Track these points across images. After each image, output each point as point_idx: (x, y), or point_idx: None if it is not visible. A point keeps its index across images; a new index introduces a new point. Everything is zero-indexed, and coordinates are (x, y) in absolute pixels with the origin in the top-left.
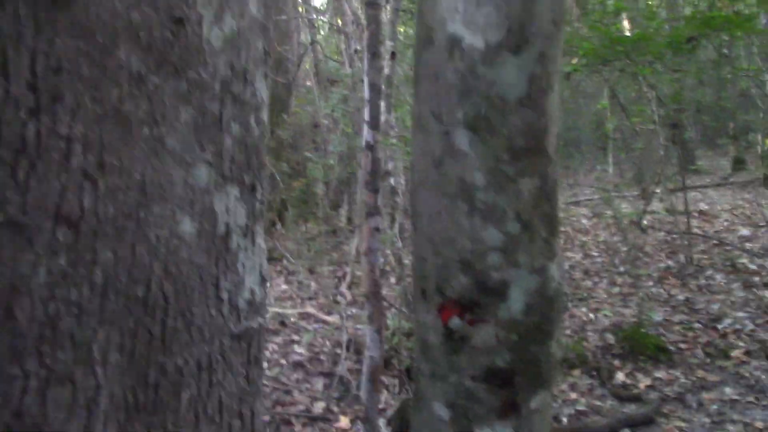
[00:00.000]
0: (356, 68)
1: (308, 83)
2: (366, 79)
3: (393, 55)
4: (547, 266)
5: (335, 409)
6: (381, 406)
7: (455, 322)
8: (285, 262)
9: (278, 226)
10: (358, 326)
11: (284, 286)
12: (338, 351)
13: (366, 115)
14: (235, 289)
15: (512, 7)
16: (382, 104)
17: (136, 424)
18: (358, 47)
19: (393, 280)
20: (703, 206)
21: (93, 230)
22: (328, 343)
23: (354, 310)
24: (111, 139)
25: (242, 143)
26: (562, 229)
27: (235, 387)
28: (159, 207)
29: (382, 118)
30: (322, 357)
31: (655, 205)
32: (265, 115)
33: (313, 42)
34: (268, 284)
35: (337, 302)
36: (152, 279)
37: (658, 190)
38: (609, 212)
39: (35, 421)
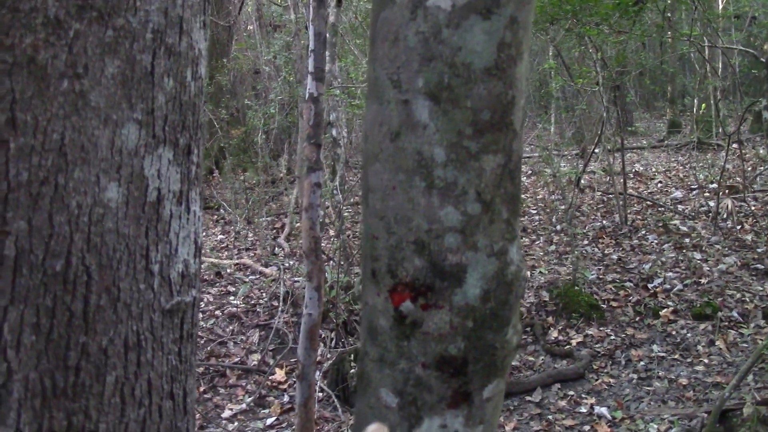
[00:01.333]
0: (300, 14)
1: (250, 27)
2: (311, 28)
3: (339, 1)
4: (506, 248)
5: (271, 361)
6: (317, 359)
7: (407, 306)
8: (222, 211)
9: (216, 174)
10: (296, 279)
11: (221, 236)
12: (275, 303)
13: (310, 66)
14: (166, 261)
15: None
16: (326, 54)
17: (54, 411)
18: None
19: (332, 232)
20: (638, 168)
21: (3, 197)
22: (264, 295)
23: (292, 262)
24: (24, 92)
25: (177, 100)
26: None
27: (166, 366)
28: (81, 171)
29: (326, 67)
30: (258, 309)
31: (593, 166)
32: (203, 69)
33: None
34: (202, 252)
35: (274, 254)
36: (73, 251)
37: (597, 151)
38: (548, 171)
39: None
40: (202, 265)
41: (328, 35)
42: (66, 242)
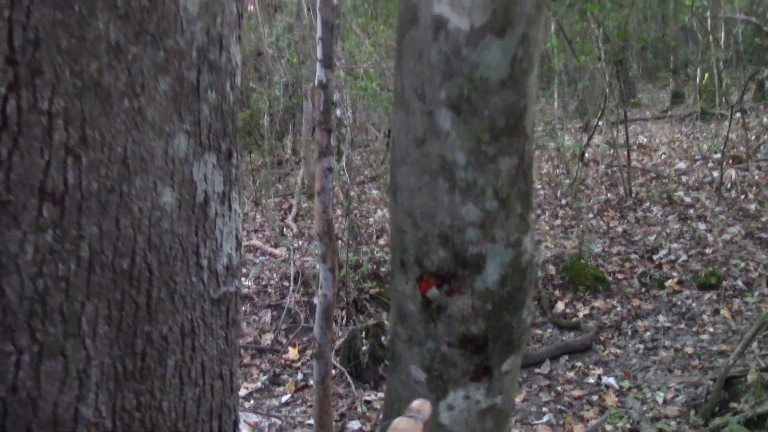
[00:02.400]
0: None
1: (251, 8)
2: (319, 16)
3: None
4: (521, 239)
5: (283, 341)
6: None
7: (433, 292)
8: None
9: None
10: (305, 259)
11: None
12: (286, 284)
13: (319, 53)
14: (213, 256)
15: None
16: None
17: (125, 392)
18: None
19: (339, 212)
20: (642, 139)
21: (78, 205)
22: (275, 275)
23: (301, 243)
24: (92, 112)
25: (219, 110)
26: None
27: (216, 350)
28: (141, 179)
29: None
30: (269, 290)
31: (597, 138)
32: (238, 79)
33: None
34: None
35: (283, 235)
36: (136, 251)
37: (600, 123)
38: (552, 144)
39: (30, 395)
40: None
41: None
42: (131, 243)
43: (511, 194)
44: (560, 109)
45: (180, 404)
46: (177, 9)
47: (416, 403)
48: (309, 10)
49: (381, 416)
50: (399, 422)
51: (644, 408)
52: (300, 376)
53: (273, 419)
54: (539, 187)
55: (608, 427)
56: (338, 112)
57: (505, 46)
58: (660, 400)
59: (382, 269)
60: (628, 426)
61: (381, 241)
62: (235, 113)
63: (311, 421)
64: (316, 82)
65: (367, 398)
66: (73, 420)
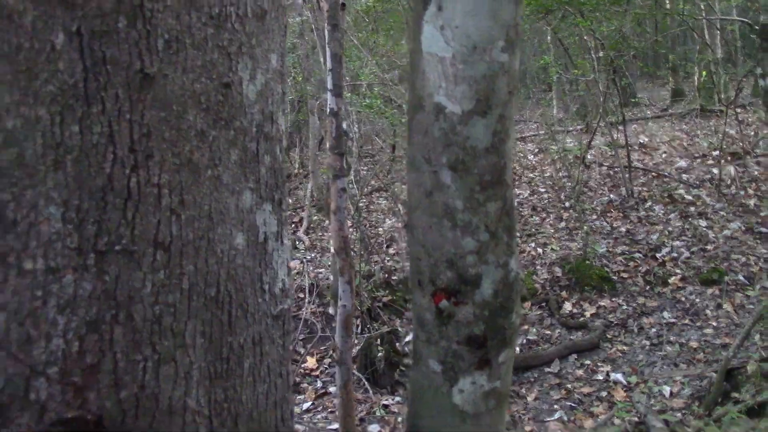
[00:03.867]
0: (305, 17)
1: None
2: (328, 50)
3: (343, 6)
4: (508, 261)
5: (302, 350)
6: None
7: (444, 304)
8: None
9: None
10: (319, 270)
11: None
12: (301, 295)
13: (329, 84)
14: (272, 282)
15: (480, 86)
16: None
17: (216, 387)
18: None
19: (349, 223)
20: (643, 138)
21: (179, 251)
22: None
23: (313, 255)
24: (186, 181)
25: (272, 169)
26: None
27: (277, 354)
28: (221, 228)
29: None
30: None
31: (598, 140)
32: (284, 143)
33: None
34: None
35: (296, 247)
36: (220, 282)
37: (601, 124)
38: (554, 147)
39: (153, 391)
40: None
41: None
42: (215, 276)
43: (498, 228)
44: (561, 111)
45: (254, 397)
46: (241, 98)
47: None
48: (312, 31)
49: (407, 403)
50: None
51: (651, 401)
52: (319, 384)
53: (297, 425)
54: (543, 191)
55: (617, 421)
56: (344, 124)
57: (487, 123)
58: (666, 394)
59: (394, 278)
60: (636, 419)
61: (391, 250)
62: (283, 170)
63: (332, 426)
64: (328, 110)
65: (385, 402)
66: (182, 409)
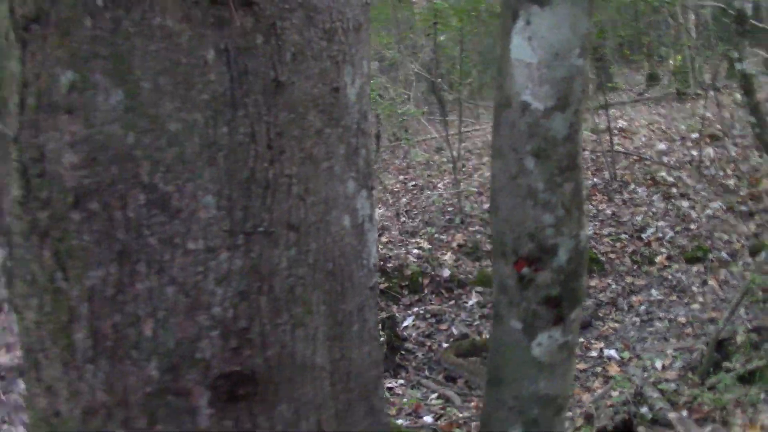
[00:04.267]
0: None
1: None
2: None
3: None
4: (579, 233)
5: None
6: None
7: (525, 270)
8: None
9: None
10: None
11: None
12: None
13: None
14: (367, 258)
15: (560, 86)
16: None
17: (334, 347)
18: None
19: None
20: (622, 123)
21: (306, 231)
22: None
23: None
24: (308, 173)
25: (366, 161)
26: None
27: (373, 321)
28: (334, 212)
29: None
30: None
31: None
32: (374, 136)
33: None
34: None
35: None
36: (335, 258)
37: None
38: None
39: (291, 350)
40: None
41: None
42: (332, 253)
43: (572, 206)
44: None
45: (360, 357)
46: (346, 100)
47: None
48: None
49: (489, 358)
50: None
51: (645, 375)
52: None
53: None
54: None
55: (614, 393)
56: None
57: (565, 117)
58: (659, 367)
59: (389, 265)
60: (632, 390)
61: (383, 238)
62: (372, 160)
63: None
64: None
65: (389, 385)
66: (312, 365)
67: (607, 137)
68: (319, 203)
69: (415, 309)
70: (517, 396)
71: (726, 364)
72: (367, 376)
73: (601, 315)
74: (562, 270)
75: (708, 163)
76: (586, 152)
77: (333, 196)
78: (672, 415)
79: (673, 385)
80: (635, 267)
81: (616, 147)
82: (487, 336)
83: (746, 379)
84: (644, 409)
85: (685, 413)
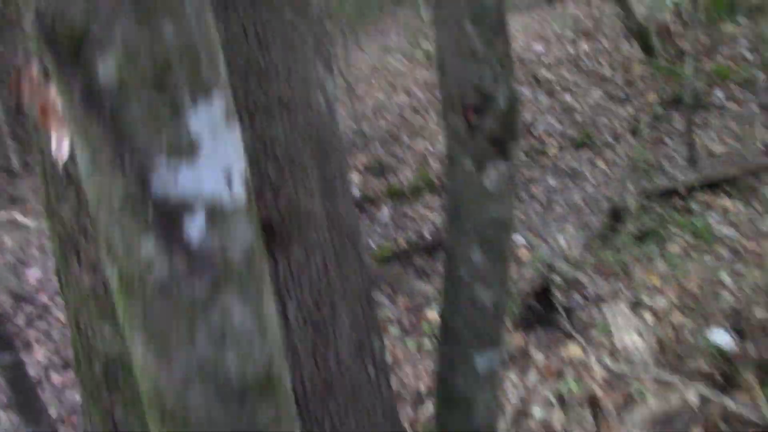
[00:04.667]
0: None
1: None
2: None
3: None
4: (511, 83)
5: None
6: None
7: (473, 117)
8: None
9: None
10: None
11: None
12: None
13: None
14: (337, 128)
15: None
16: None
17: (326, 200)
18: None
19: None
20: None
21: (294, 108)
22: None
23: None
24: (289, 59)
25: (327, 48)
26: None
27: (348, 180)
28: (311, 91)
29: None
30: None
31: None
32: None
33: None
34: None
35: None
36: (318, 128)
37: None
38: (420, 51)
39: (296, 204)
40: None
41: None
42: (315, 124)
43: (505, 61)
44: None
45: (345, 207)
46: None
47: None
48: None
49: (445, 194)
50: None
51: (553, 252)
52: None
53: None
54: (419, 93)
55: (530, 271)
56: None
57: None
58: (564, 245)
59: None
60: (547, 265)
61: None
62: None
63: None
64: None
65: None
66: (313, 215)
67: None
68: (300, 83)
69: None
70: (474, 222)
71: (622, 228)
72: (352, 225)
73: None
74: (502, 114)
75: (584, 58)
76: None
77: (309, 77)
78: (580, 275)
79: (578, 256)
80: (530, 160)
81: None
82: (407, 244)
83: (641, 239)
84: (556, 277)
85: (591, 273)
